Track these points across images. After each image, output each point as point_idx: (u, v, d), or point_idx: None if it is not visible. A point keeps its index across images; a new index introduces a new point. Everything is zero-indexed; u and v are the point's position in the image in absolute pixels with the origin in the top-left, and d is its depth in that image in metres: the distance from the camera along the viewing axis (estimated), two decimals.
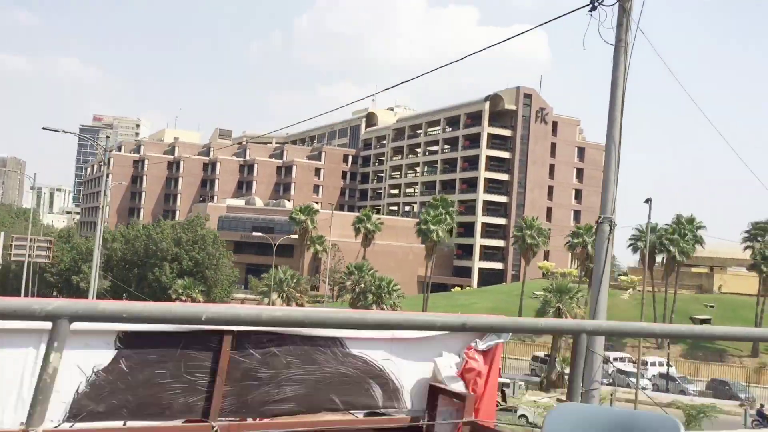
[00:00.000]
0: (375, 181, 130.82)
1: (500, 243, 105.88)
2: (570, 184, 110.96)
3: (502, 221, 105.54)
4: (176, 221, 71.29)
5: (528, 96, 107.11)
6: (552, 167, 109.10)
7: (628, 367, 56.88)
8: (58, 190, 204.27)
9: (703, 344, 62.61)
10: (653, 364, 56.97)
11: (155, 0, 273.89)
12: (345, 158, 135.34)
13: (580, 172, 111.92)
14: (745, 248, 63.16)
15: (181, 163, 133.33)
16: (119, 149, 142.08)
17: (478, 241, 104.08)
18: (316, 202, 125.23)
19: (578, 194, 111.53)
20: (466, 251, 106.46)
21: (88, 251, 56.51)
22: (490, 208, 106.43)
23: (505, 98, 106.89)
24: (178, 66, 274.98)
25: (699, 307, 71.05)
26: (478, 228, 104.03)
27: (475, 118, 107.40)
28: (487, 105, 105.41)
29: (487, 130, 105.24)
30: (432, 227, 66.08)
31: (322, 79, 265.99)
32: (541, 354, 57.81)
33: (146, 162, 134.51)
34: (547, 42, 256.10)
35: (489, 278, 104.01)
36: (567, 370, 52.80)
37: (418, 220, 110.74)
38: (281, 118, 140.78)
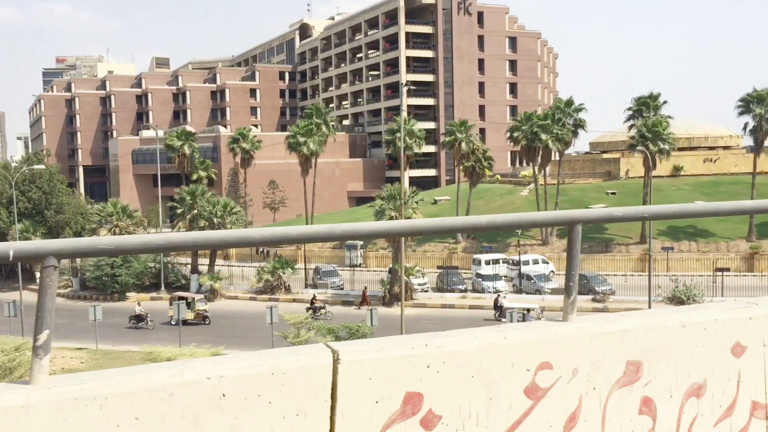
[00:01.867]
0: (311, 96, 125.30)
1: (431, 149, 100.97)
2: (503, 78, 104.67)
3: (431, 125, 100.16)
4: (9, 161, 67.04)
5: None
6: (481, 62, 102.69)
7: (501, 269, 53.45)
8: (18, 138, 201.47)
9: (590, 235, 58.56)
10: (526, 262, 53.23)
11: None
12: (282, 76, 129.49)
13: (513, 64, 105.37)
14: (629, 127, 58.10)
15: (113, 97, 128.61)
16: (51, 90, 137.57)
17: (415, 148, 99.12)
18: (255, 125, 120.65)
19: (513, 88, 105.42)
20: (398, 159, 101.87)
21: None
22: (418, 112, 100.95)
23: None
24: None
25: (601, 195, 66.65)
26: (404, 135, 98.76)
27: (393, 18, 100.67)
28: (402, 1, 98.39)
29: (404, 28, 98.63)
30: (301, 140, 61.56)
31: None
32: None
33: (77, 100, 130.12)
34: None
35: (423, 185, 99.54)
36: (416, 281, 49.42)
37: (346, 133, 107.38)
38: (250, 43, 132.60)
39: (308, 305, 44.66)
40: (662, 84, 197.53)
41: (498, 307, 41.61)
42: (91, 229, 50.72)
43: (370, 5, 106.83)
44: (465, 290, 49.10)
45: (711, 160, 69.86)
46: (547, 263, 54.69)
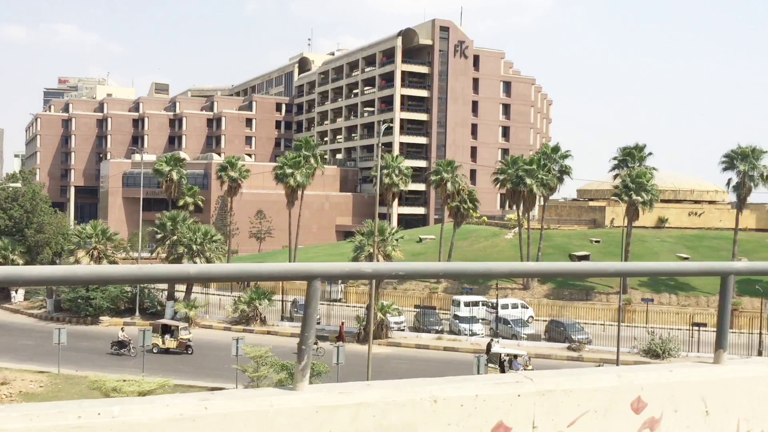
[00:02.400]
0: (307, 129, 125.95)
1: (422, 187, 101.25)
2: (496, 121, 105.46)
3: (422, 164, 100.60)
4: None
5: (445, 29, 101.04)
6: (475, 104, 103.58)
7: (480, 312, 53.19)
8: (16, 156, 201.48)
9: (572, 282, 58.44)
10: (505, 306, 52.92)
11: None
12: (278, 107, 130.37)
13: (507, 108, 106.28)
14: (615, 176, 58.38)
15: (109, 120, 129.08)
16: (49, 110, 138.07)
17: (400, 185, 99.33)
18: (249, 154, 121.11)
19: (505, 131, 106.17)
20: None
21: None
22: (410, 150, 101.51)
23: (420, 33, 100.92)
24: (175, 27, 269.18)
25: (585, 242, 66.69)
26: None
27: (390, 56, 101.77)
28: (399, 41, 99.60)
29: (400, 67, 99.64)
30: (288, 171, 61.65)
31: (323, 33, 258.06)
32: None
33: (74, 121, 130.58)
34: None
35: (412, 224, 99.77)
36: (392, 319, 49.07)
37: (337, 167, 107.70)
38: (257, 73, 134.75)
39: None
40: (654, 134, 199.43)
41: (489, 352, 40.21)
42: (69, 251, 50.33)
43: (369, 43, 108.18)
44: (441, 331, 48.73)
45: (696, 213, 70.10)
46: (527, 308, 54.47)
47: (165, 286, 51.76)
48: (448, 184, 59.83)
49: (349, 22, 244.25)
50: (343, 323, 48.82)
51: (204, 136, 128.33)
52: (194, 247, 49.03)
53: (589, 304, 56.22)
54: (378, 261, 46.49)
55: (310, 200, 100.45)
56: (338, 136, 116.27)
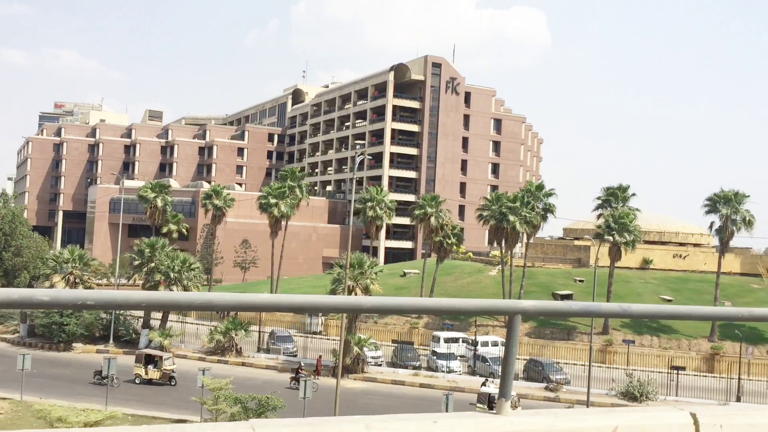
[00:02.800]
0: (298, 160, 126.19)
1: (410, 221, 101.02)
2: (486, 157, 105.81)
3: (411, 198, 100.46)
4: None
5: (437, 66, 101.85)
6: (465, 140, 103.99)
7: (460, 348, 52.67)
8: (9, 179, 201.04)
9: (553, 322, 58.02)
10: (485, 344, 52.39)
11: None
12: (271, 137, 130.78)
13: (497, 145, 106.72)
14: (598, 216, 58.35)
15: (101, 145, 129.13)
16: (41, 133, 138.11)
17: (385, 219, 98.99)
18: (239, 183, 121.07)
19: (495, 168, 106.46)
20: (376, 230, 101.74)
21: None
22: (399, 184, 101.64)
23: (413, 68, 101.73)
24: (175, 56, 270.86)
25: (569, 281, 66.39)
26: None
27: (382, 90, 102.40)
28: (392, 75, 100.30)
29: (392, 102, 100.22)
30: (272, 201, 61.43)
31: (321, 66, 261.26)
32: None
33: (65, 145, 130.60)
34: (546, 23, 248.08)
35: (400, 257, 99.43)
36: (370, 353, 48.48)
37: (326, 199, 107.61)
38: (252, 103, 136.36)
39: (293, 375, 43.00)
40: (646, 175, 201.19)
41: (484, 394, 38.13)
42: (45, 275, 49.74)
43: (362, 77, 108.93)
44: (418, 367, 48.12)
45: (681, 256, 69.99)
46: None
47: (141, 313, 51.11)
48: (432, 219, 59.67)
49: (349, 57, 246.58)
50: (320, 357, 48.17)
51: (195, 164, 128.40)
52: (171, 274, 48.51)
53: (570, 344, 55.74)
54: (357, 294, 46.08)
55: (298, 231, 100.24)
56: (329, 168, 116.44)
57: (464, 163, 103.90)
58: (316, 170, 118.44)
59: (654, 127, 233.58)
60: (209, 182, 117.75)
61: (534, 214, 56.01)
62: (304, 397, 30.54)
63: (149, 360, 41.31)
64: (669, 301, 61.83)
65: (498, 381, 38.09)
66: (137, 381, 40.00)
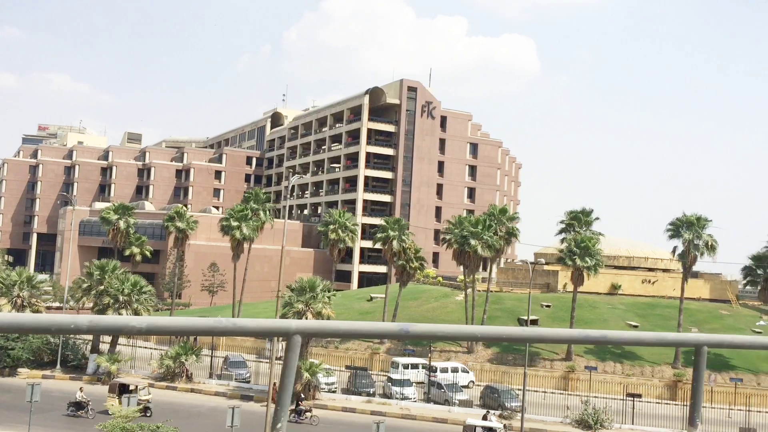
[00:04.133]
0: (276, 183, 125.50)
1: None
2: (462, 182, 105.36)
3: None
4: None
5: (413, 89, 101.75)
6: (441, 164, 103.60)
7: (420, 374, 51.53)
8: None
9: (516, 347, 57.04)
10: (445, 370, 51.30)
11: (145, 18, 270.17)
12: (249, 161, 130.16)
13: (473, 170, 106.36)
14: (562, 240, 57.67)
15: (77, 167, 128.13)
16: (18, 155, 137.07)
17: (358, 243, 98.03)
18: (216, 207, 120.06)
19: (471, 192, 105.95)
20: (350, 254, 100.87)
21: None
22: (374, 208, 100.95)
23: (388, 92, 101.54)
24: (167, 81, 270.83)
25: (536, 306, 65.45)
26: (359, 229, 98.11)
27: (357, 114, 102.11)
28: (366, 99, 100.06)
29: (367, 125, 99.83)
30: (234, 224, 60.51)
31: (311, 92, 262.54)
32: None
33: (41, 167, 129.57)
34: (535, 50, 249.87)
35: (374, 281, 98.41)
36: (324, 379, 47.30)
37: (300, 222, 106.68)
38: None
39: (292, 407, 40.94)
40: (627, 200, 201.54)
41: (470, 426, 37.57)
42: None
43: (338, 100, 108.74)
44: (373, 394, 46.94)
45: (650, 281, 69.32)
46: (467, 372, 52.90)
47: (90, 336, 49.85)
48: (394, 243, 58.82)
49: (339, 82, 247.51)
50: (275, 384, 46.81)
51: (172, 187, 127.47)
52: (120, 297, 47.35)
53: (532, 370, 54.60)
54: (307, 318, 45.04)
55: (270, 254, 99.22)
56: (306, 192, 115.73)
57: (440, 187, 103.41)
58: (295, 193, 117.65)
59: (640, 152, 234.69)
60: (185, 205, 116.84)
61: (496, 238, 55.23)
62: (231, 426, 29.39)
63: (123, 390, 39.05)
64: (635, 327, 61.02)
65: (476, 412, 36.26)
66: (110, 412, 38.25)
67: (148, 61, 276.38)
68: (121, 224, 67.78)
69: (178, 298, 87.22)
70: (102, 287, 48.10)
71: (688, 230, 52.86)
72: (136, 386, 39.90)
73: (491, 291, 66.56)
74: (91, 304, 48.92)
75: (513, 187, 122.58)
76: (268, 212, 64.41)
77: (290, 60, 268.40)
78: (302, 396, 43.20)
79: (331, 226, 61.93)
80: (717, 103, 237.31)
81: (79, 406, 38.21)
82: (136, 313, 48.17)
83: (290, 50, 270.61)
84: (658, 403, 49.55)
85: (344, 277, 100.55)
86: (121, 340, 50.10)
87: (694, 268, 71.64)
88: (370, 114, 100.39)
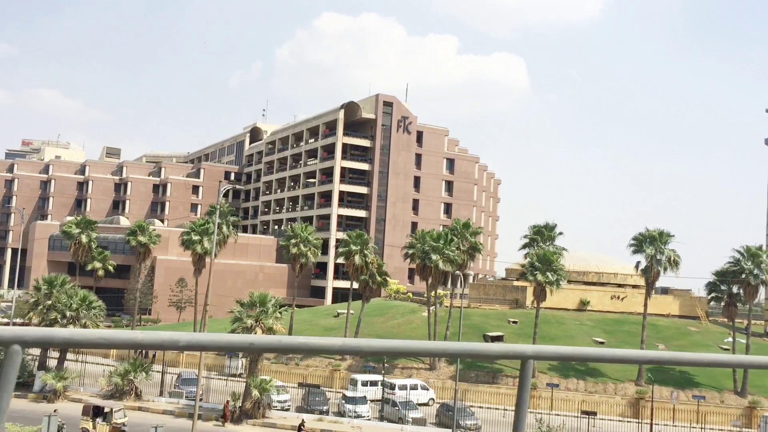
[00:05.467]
0: (254, 198, 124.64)
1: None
2: (438, 197, 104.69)
3: None
4: None
5: (389, 104, 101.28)
6: (417, 179, 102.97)
7: (379, 392, 50.40)
8: None
9: (479, 364, 56.04)
10: (404, 387, 50.20)
11: (138, 36, 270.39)
12: (227, 175, 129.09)
13: (450, 185, 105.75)
14: (525, 255, 56.87)
15: (53, 182, 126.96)
16: None
17: (332, 259, 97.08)
18: (193, 222, 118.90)
19: (448, 208, 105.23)
20: (325, 269, 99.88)
21: None
22: (349, 223, 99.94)
23: (364, 107, 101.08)
24: (158, 96, 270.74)
25: (503, 322, 64.60)
26: (332, 244, 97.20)
27: (332, 128, 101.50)
28: (341, 113, 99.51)
29: (342, 140, 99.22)
30: (195, 238, 59.50)
31: (299, 108, 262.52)
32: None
33: (17, 181, 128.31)
34: (525, 68, 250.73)
35: (347, 298, 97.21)
36: (277, 397, 46.19)
37: (274, 238, 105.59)
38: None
39: (296, 430, 39.93)
40: (603, 215, 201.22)
41: None
42: None
43: (314, 115, 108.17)
44: (325, 412, 45.80)
45: (619, 297, 68.57)
46: (427, 389, 51.85)
47: (37, 352, 48.64)
48: (356, 257, 57.89)
49: (328, 99, 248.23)
50: (228, 402, 45.62)
51: (149, 202, 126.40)
52: (68, 313, 46.20)
53: (494, 387, 53.65)
54: (257, 334, 43.98)
55: (243, 270, 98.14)
56: (283, 207, 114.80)
57: (416, 202, 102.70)
58: (273, 208, 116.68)
59: (625, 169, 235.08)
60: (163, 220, 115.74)
61: (457, 252, 54.39)
62: None
63: (98, 412, 37.43)
64: (601, 343, 60.13)
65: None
66: None
67: (140, 78, 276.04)
68: (83, 238, 66.65)
69: (148, 314, 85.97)
70: (50, 302, 46.91)
71: (651, 245, 52.16)
72: (111, 409, 38.04)
73: (459, 307, 65.63)
74: (38, 320, 47.63)
75: (492, 203, 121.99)
76: (230, 226, 63.39)
77: (281, 77, 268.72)
78: (303, 419, 41.72)
79: (293, 241, 60.98)
80: (702, 120, 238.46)
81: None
82: (85, 328, 47.01)
83: (281, 67, 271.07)
84: (620, 420, 48.67)
85: (318, 292, 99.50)
86: (70, 355, 48.85)
87: (664, 285, 71.08)
88: (345, 129, 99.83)
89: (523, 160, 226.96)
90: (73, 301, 46.71)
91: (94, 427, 36.93)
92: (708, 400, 50.55)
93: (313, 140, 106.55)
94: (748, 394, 50.78)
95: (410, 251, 57.18)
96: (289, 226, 63.20)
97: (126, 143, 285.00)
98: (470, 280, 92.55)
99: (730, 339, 61.29)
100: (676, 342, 61.51)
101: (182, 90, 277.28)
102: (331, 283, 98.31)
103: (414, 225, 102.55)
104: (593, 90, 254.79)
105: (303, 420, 41.56)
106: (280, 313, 45.10)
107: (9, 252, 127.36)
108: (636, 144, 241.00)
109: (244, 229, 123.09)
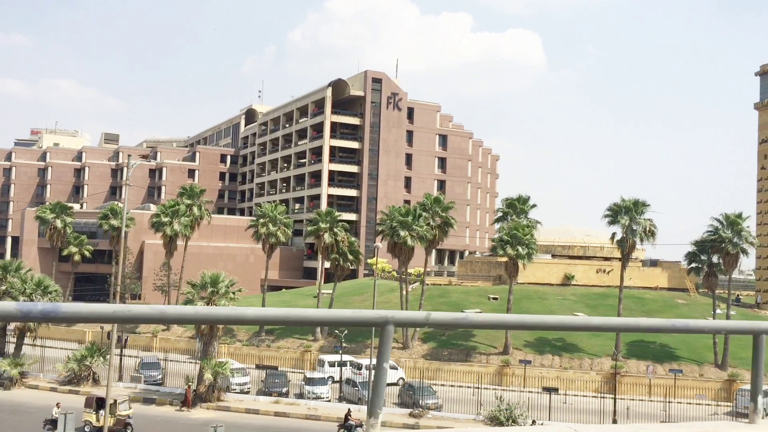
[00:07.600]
0: (250, 180, 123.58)
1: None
2: (431, 174, 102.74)
3: (353, 217, 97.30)
4: None
5: (378, 81, 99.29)
6: (409, 157, 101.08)
7: (347, 373, 49.16)
8: None
9: (454, 342, 54.55)
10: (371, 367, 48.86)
11: (152, 23, 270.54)
12: (223, 158, 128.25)
13: (443, 162, 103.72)
14: (498, 230, 55.03)
15: (50, 169, 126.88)
16: None
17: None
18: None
19: (441, 185, 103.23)
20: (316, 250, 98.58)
21: None
22: (340, 203, 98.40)
23: (353, 84, 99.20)
24: (173, 83, 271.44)
25: (482, 299, 63.00)
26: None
27: (321, 107, 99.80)
28: (329, 92, 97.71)
29: (330, 118, 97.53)
30: (165, 219, 58.42)
31: (306, 91, 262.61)
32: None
33: (14, 170, 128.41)
34: (541, 45, 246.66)
35: (342, 278, 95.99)
36: (236, 380, 45.09)
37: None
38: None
39: (341, 423, 36.82)
40: (608, 193, 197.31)
41: (346, 422, 35.14)
42: None
43: (303, 94, 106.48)
44: (284, 394, 44.62)
45: (605, 271, 66.53)
46: (396, 369, 50.44)
47: None
48: (326, 236, 56.44)
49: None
50: (189, 386, 44.46)
51: (146, 187, 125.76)
52: (21, 298, 45.30)
53: (467, 366, 52.13)
54: None
55: (234, 253, 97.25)
56: (275, 188, 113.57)
57: (408, 180, 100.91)
58: (271, 190, 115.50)
59: (646, 145, 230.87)
60: (158, 205, 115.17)
61: (426, 228, 52.69)
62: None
63: (101, 404, 35.73)
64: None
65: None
66: (87, 429, 35.37)
67: (154, 65, 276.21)
68: (58, 223, 65.87)
69: (138, 299, 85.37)
70: (3, 287, 46.10)
71: (626, 215, 50.10)
72: (115, 400, 36.41)
73: (439, 285, 64.13)
74: None
75: (490, 178, 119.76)
76: (202, 207, 62.20)
77: (294, 60, 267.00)
78: (350, 409, 38.35)
79: (261, 221, 59.66)
80: (724, 97, 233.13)
81: (54, 423, 34.20)
82: None
83: (294, 51, 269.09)
84: (595, 397, 46.97)
85: (311, 274, 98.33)
86: (27, 340, 48.02)
87: (653, 256, 68.93)
88: (334, 107, 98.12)
89: (534, 137, 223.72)
90: (26, 286, 45.80)
91: (98, 420, 35.50)
92: (687, 374, 48.69)
93: (303, 120, 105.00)
94: (728, 366, 48.79)
95: (380, 228, 55.61)
96: (257, 207, 61.87)
97: (134, 130, 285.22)
98: (464, 257, 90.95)
99: (720, 311, 59.16)
100: (661, 315, 59.45)
101: (198, 76, 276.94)
102: (321, 264, 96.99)
103: (407, 203, 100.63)
104: (610, 63, 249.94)
105: (349, 409, 38.36)
106: (234, 293, 43.81)
107: (9, 240, 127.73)
108: (646, 118, 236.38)
109: (241, 212, 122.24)
